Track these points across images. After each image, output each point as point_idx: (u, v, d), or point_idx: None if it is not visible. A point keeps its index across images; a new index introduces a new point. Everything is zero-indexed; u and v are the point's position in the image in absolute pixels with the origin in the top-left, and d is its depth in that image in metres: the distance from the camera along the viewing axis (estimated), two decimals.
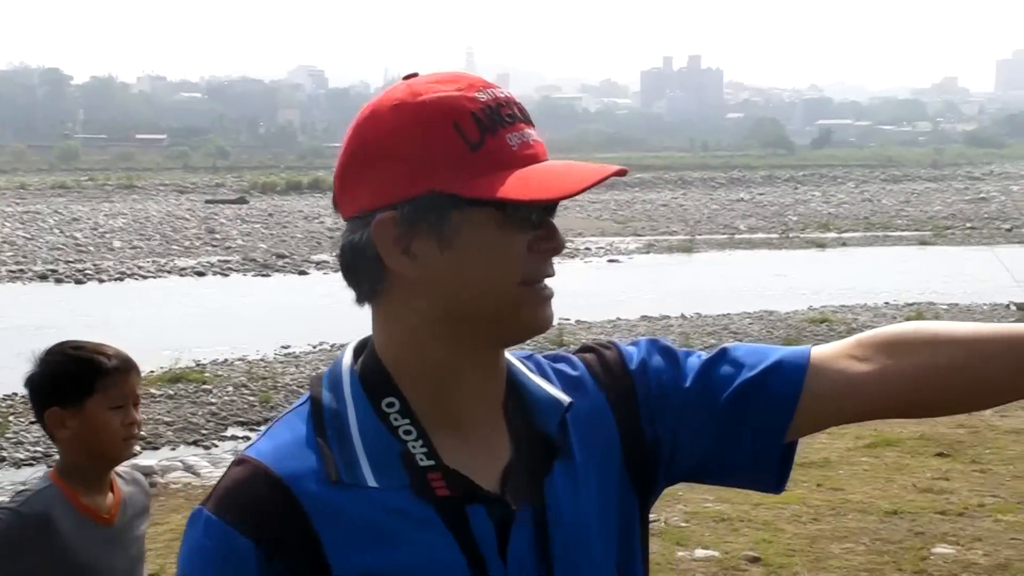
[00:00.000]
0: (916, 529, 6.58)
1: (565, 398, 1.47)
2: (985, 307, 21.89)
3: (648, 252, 35.26)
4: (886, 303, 22.67)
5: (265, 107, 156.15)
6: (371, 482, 1.36)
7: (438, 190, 1.35)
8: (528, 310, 1.39)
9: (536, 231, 1.38)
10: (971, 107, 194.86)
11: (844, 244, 37.86)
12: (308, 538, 1.34)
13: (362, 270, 1.41)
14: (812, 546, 6.30)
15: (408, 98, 1.39)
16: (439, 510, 1.37)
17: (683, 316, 20.98)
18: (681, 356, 1.56)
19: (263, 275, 28.56)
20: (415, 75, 1.44)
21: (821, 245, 37.16)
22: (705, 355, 1.56)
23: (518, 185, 1.34)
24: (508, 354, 1.48)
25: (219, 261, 30.64)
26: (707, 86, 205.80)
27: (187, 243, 35.04)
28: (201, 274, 28.68)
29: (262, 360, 16.93)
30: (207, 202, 51.17)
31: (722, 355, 1.55)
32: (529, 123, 1.44)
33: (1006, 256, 23.97)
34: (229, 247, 33.88)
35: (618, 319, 20.56)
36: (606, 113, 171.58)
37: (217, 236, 36.94)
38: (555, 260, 1.44)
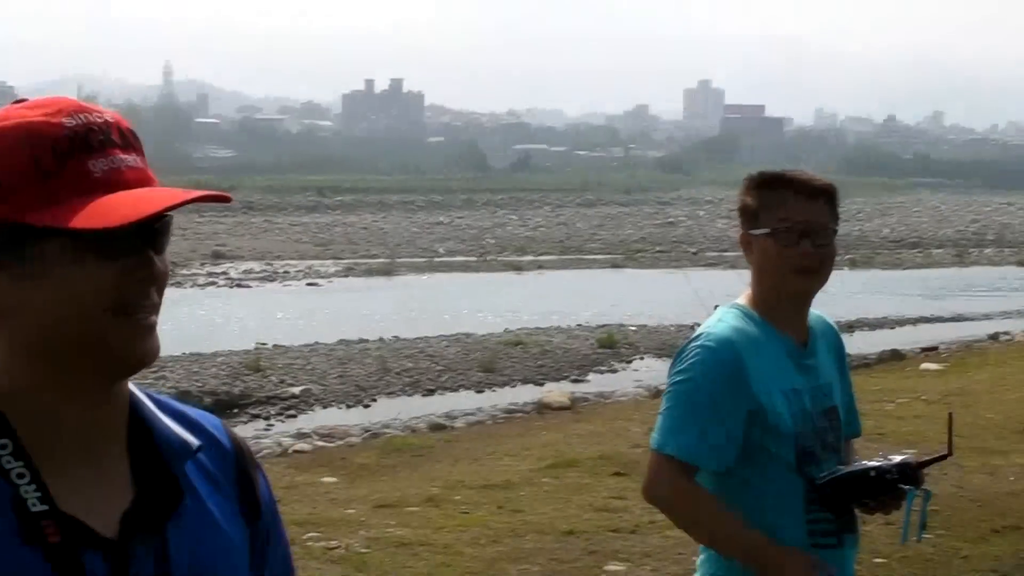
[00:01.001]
0: (590, 548, 6.79)
1: (194, 440, 1.46)
2: (672, 328, 22.76)
3: (348, 275, 35.24)
4: (579, 325, 23.31)
5: None
6: None
7: (10, 219, 1.32)
8: (121, 341, 1.35)
9: (128, 258, 1.35)
10: (661, 134, 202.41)
11: (540, 267, 38.71)
12: None
13: None
14: (490, 568, 6.43)
15: None
16: (50, 558, 1.32)
17: (381, 340, 21.07)
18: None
19: None
20: (23, 100, 1.41)
21: (518, 268, 37.90)
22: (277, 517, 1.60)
23: (88, 212, 1.30)
24: (137, 391, 1.46)
25: None
26: (408, 109, 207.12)
27: None
28: None
29: None
30: None
31: (280, 540, 1.60)
32: (130, 149, 1.39)
33: (695, 278, 25.07)
34: None
35: (316, 343, 20.48)
36: (308, 135, 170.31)
37: None
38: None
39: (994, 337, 20.98)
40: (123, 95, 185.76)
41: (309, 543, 7.08)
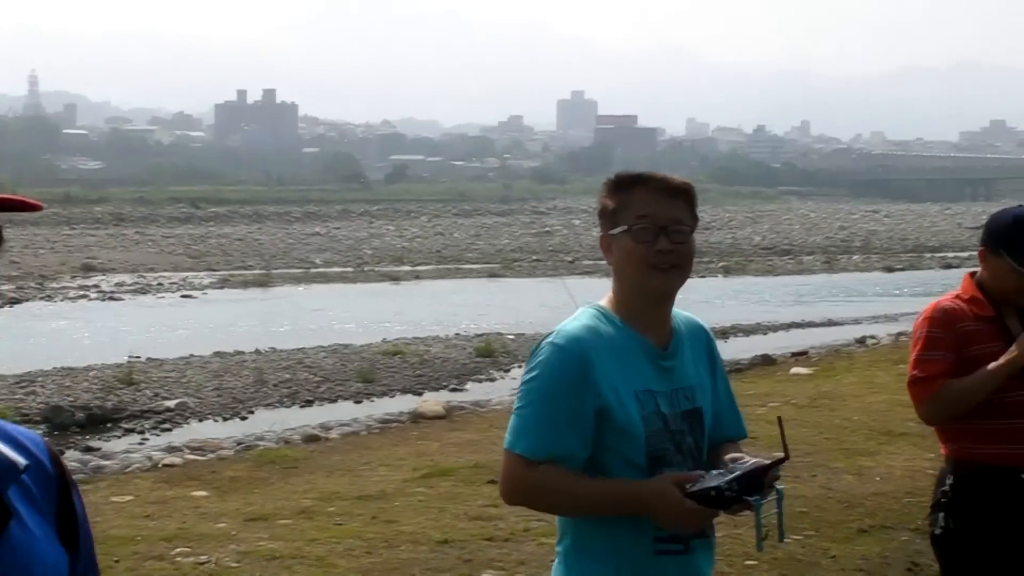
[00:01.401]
0: (465, 557, 6.76)
1: (21, 460, 1.43)
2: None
3: (223, 287, 34.83)
4: (456, 334, 23.32)
5: None
6: None
7: None
8: None
9: None
10: (536, 144, 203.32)
11: (418, 277, 38.66)
12: None
13: None
14: None
15: None
16: None
17: (258, 351, 20.84)
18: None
19: None
20: None
21: (396, 278, 37.79)
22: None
23: None
24: None
25: None
26: (282, 120, 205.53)
27: None
28: None
29: None
30: None
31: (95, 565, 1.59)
32: None
33: (572, 286, 25.28)
34: None
35: (191, 356, 20.19)
36: (180, 146, 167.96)
37: None
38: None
39: (861, 341, 21.40)
40: None
41: (178, 559, 6.96)
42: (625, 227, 2.85)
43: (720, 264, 41.93)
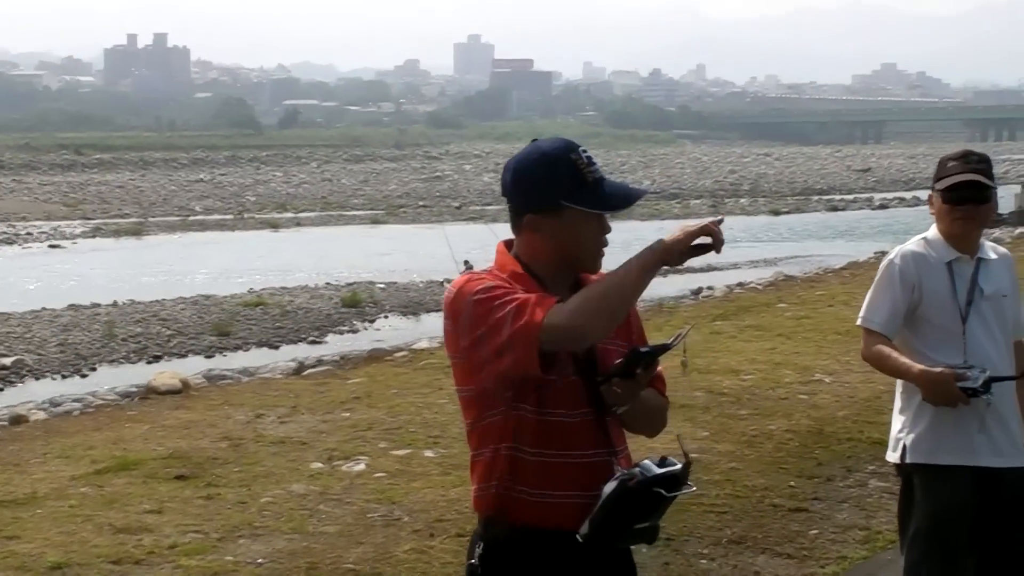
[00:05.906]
0: None
1: None
2: (421, 285, 22.34)
3: (95, 236, 33.87)
4: (327, 284, 22.68)
5: None
6: None
7: None
8: None
9: None
10: (432, 89, 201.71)
11: (299, 224, 37.92)
12: None
13: None
14: None
15: None
16: None
17: (115, 304, 20.04)
18: None
19: None
20: None
21: (275, 226, 37.02)
22: None
23: None
24: None
25: None
26: (174, 65, 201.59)
27: None
28: None
29: None
30: None
31: None
32: None
33: (453, 233, 24.70)
34: None
35: (43, 309, 19.36)
36: (68, 91, 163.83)
37: None
38: None
39: (697, 293, 18.88)
40: None
41: None
42: None
43: None
